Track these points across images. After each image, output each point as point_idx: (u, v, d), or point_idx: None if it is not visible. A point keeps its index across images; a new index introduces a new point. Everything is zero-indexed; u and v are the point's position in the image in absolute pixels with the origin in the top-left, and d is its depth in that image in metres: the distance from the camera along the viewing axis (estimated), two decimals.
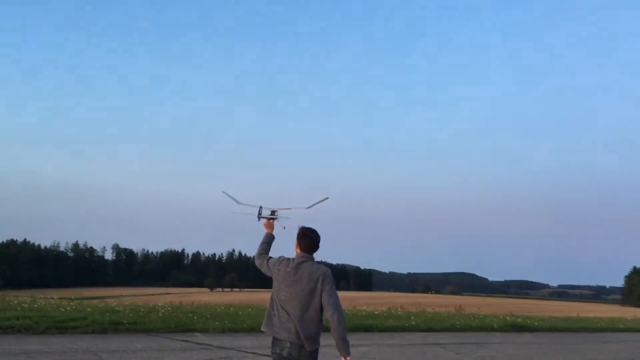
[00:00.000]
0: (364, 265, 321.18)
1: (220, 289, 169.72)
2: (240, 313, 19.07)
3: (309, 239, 4.92)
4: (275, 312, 4.94)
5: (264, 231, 5.35)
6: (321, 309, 4.86)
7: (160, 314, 16.79)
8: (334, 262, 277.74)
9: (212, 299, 48.56)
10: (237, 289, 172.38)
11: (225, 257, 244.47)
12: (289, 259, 4.96)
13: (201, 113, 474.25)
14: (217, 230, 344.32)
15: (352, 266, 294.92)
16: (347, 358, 4.87)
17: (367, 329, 17.98)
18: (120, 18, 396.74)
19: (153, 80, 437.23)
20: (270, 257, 5.18)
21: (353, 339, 15.15)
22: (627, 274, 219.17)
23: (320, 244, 4.96)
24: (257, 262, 5.25)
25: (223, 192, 5.82)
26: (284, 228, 5.40)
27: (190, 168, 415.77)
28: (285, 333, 4.84)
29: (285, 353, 4.85)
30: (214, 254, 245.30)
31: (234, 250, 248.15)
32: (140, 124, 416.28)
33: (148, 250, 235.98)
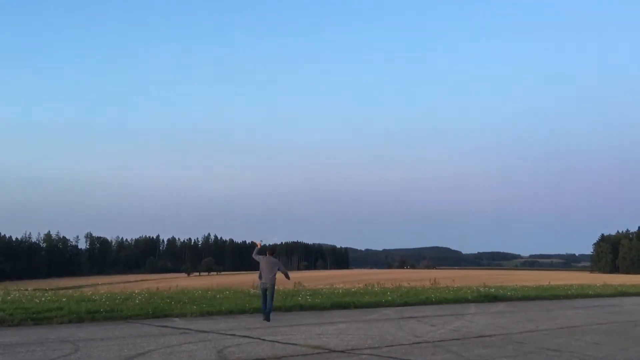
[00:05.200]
0: (339, 244, 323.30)
1: (197, 274, 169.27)
2: (218, 296, 19.10)
3: (271, 250, 15.24)
4: (262, 273, 14.52)
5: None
6: (276, 272, 14.63)
7: (137, 301, 16.74)
8: (310, 242, 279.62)
9: (190, 284, 48.47)
10: (214, 273, 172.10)
11: (201, 242, 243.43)
12: (267, 256, 14.77)
13: (164, 102, 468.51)
14: (192, 215, 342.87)
15: (328, 245, 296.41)
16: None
17: (344, 306, 18.20)
18: None
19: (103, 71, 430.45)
20: (261, 256, 14.78)
21: (331, 316, 15.43)
22: (595, 241, 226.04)
23: (277, 248, 20.24)
24: (256, 257, 14.86)
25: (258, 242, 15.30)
26: (261, 241, 15.45)
27: (162, 155, 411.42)
28: (266, 280, 14.36)
29: (264, 287, 14.36)
30: (190, 238, 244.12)
31: (209, 235, 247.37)
32: (105, 114, 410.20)
33: (123, 238, 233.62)
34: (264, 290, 14.34)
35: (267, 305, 14.14)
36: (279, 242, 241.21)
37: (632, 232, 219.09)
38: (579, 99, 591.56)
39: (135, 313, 14.28)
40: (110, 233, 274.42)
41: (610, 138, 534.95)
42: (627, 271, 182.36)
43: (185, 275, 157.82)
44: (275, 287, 15.20)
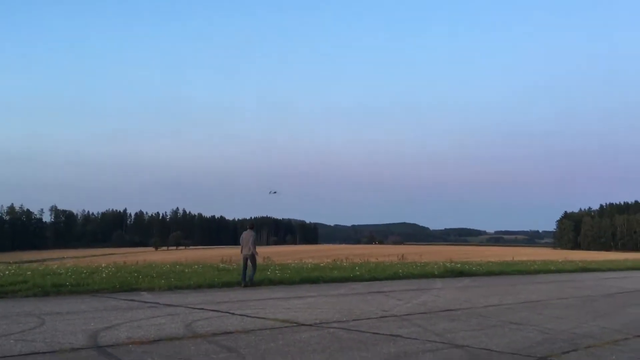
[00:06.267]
0: (309, 219, 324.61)
1: (165, 248, 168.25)
2: (186, 270, 19.05)
3: (251, 225, 18.59)
4: (242, 245, 17.01)
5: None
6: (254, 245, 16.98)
7: (104, 275, 16.58)
8: (280, 217, 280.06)
9: (158, 258, 48.13)
10: (183, 247, 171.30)
11: (169, 216, 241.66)
12: (248, 230, 17.47)
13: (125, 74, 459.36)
14: (160, 189, 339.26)
15: (298, 221, 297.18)
16: (257, 252, 17.18)
17: (313, 281, 18.36)
18: None
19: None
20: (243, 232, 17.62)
21: (300, 291, 15.53)
22: (558, 218, 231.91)
23: (255, 222, 26.90)
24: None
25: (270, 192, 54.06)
26: (275, 192, 72.36)
27: (127, 127, 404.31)
28: (245, 251, 16.77)
29: (245, 257, 16.77)
30: (158, 212, 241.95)
31: (178, 209, 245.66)
32: (66, 87, 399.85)
33: (88, 211, 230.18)
34: (245, 260, 16.80)
35: (246, 273, 16.51)
36: (248, 217, 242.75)
37: (594, 210, 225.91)
38: (545, 86, 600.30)
39: (102, 287, 14.15)
40: (76, 206, 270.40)
41: (573, 120, 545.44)
42: (588, 247, 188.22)
43: (153, 249, 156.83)
44: (257, 258, 17.32)
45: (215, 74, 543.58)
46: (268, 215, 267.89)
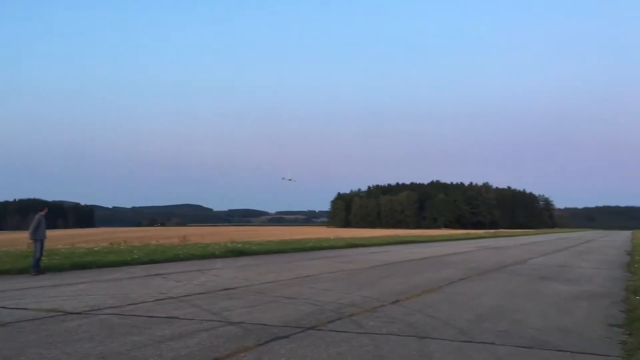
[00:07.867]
0: (84, 201, 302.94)
1: None
2: None
3: (40, 208, 16.59)
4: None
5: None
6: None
7: None
8: (50, 199, 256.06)
9: None
10: None
11: None
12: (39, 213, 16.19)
13: None
14: None
15: (71, 202, 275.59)
16: (32, 239, 15.68)
17: (86, 266, 17.24)
18: None
19: None
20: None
21: (70, 277, 14.49)
22: (332, 199, 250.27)
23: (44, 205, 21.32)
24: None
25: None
26: (290, 179, 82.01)
27: None
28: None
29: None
30: None
31: None
32: None
33: None
34: None
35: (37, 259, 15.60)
36: (12, 200, 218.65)
37: (362, 191, 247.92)
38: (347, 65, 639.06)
39: None
40: None
41: (355, 105, 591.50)
42: (358, 225, 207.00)
43: None
44: (42, 243, 15.93)
45: None
46: (36, 197, 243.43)
